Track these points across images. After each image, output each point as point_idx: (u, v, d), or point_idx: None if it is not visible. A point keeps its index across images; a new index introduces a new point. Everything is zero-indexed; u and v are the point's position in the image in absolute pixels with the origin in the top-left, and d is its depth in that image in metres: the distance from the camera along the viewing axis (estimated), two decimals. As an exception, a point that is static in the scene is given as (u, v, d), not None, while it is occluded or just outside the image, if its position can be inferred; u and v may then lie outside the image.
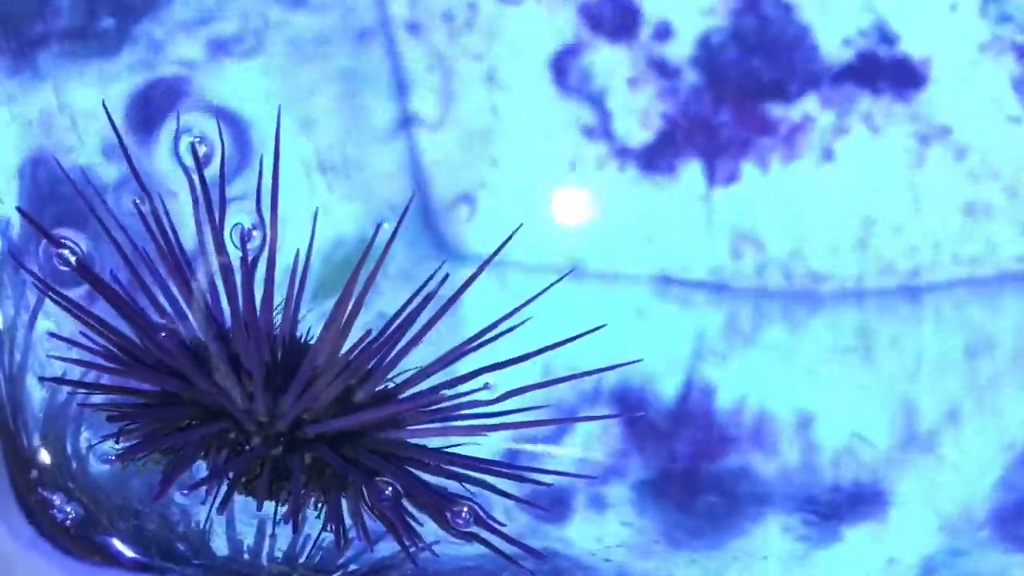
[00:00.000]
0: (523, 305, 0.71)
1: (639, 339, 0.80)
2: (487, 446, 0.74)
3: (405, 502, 0.73)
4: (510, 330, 0.72)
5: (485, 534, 0.73)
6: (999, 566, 0.77)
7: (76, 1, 0.77)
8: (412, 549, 0.72)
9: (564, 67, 0.79)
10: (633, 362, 0.75)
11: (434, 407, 0.71)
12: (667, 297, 0.80)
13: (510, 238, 0.71)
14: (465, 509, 0.72)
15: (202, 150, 0.74)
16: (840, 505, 0.78)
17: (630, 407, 0.80)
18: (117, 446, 0.71)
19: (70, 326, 0.74)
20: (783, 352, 0.80)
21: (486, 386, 0.71)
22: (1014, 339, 0.79)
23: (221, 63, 0.77)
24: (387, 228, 0.71)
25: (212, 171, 0.74)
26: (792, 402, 0.79)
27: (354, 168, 0.79)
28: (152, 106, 0.77)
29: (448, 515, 0.72)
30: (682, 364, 0.80)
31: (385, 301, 0.72)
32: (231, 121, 0.78)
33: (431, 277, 0.71)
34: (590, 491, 0.79)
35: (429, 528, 0.73)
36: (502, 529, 0.72)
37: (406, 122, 0.79)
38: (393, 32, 0.78)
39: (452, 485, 0.74)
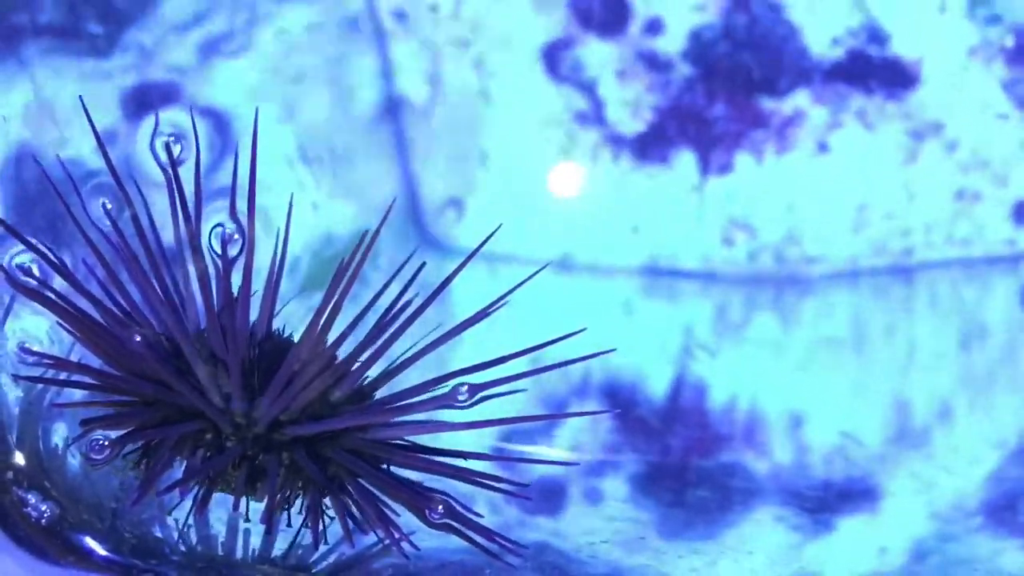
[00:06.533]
0: (499, 299, 0.71)
1: (629, 331, 0.80)
2: (472, 436, 0.73)
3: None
4: (484, 317, 0.71)
5: (463, 527, 0.73)
6: (990, 551, 0.77)
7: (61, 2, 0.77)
8: (388, 542, 0.72)
9: (555, 60, 0.78)
10: (608, 352, 0.74)
11: (412, 411, 0.71)
12: (657, 288, 0.80)
13: (486, 241, 0.71)
14: (441, 507, 0.72)
15: (177, 150, 0.74)
16: (830, 502, 0.78)
17: (620, 401, 0.80)
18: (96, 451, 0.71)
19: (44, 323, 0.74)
20: (774, 345, 0.80)
21: (458, 392, 0.71)
22: (1006, 326, 0.79)
23: (211, 61, 0.77)
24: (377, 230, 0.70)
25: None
26: (783, 397, 0.79)
27: (342, 161, 0.79)
28: (145, 100, 0.77)
29: (426, 511, 0.72)
30: (672, 356, 0.80)
31: (373, 294, 0.71)
32: (216, 116, 0.77)
33: (412, 279, 0.71)
34: (582, 484, 0.79)
35: (406, 518, 0.73)
36: (480, 522, 0.72)
37: (394, 114, 0.79)
38: (381, 21, 0.78)
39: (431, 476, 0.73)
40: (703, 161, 0.78)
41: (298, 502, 0.72)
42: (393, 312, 0.71)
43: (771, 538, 0.78)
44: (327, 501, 0.72)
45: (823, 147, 0.78)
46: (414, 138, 0.79)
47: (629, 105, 0.78)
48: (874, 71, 0.78)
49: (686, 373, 0.79)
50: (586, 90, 0.78)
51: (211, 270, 0.72)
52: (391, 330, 0.71)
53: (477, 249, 0.71)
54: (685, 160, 0.78)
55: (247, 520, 0.72)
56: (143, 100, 0.77)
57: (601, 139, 0.79)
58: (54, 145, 0.76)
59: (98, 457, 0.72)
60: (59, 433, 0.74)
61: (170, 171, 0.72)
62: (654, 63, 0.77)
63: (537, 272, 0.72)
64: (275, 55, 0.78)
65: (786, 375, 0.80)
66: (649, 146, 0.78)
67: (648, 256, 0.80)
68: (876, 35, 0.78)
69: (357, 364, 0.71)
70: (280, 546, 0.74)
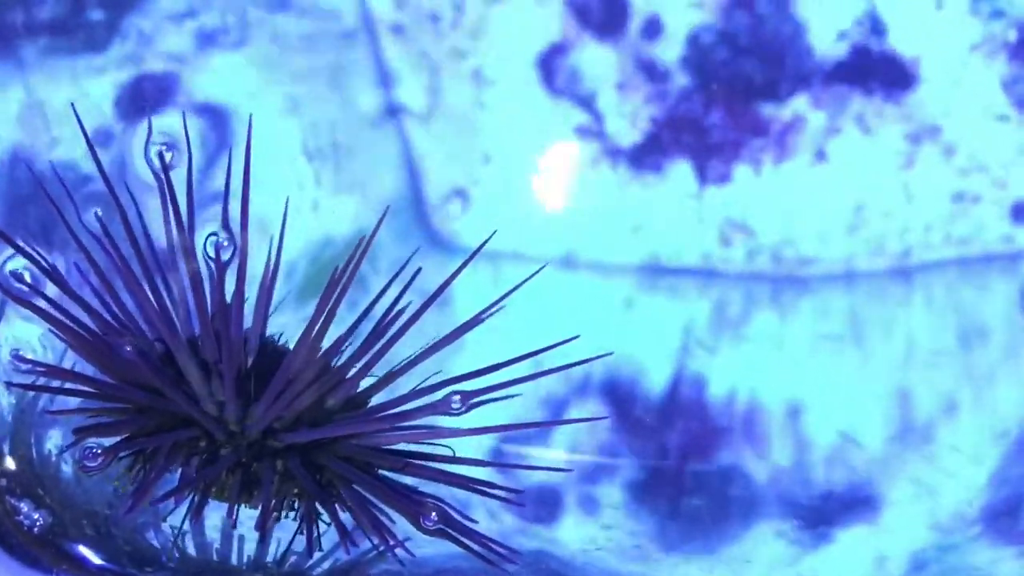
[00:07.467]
0: (495, 303, 0.71)
1: (629, 330, 0.80)
2: (468, 441, 0.73)
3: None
4: (479, 322, 0.71)
5: (457, 533, 0.73)
6: (988, 560, 0.77)
7: None
8: (383, 548, 0.71)
9: (552, 66, 0.78)
10: (605, 355, 0.74)
11: (407, 418, 0.71)
12: (656, 287, 0.79)
13: (481, 247, 0.71)
14: (434, 513, 0.71)
15: (169, 157, 0.74)
16: (829, 514, 0.78)
17: (620, 399, 0.79)
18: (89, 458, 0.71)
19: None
20: (773, 341, 0.79)
21: (452, 400, 0.71)
22: (1004, 322, 0.79)
23: (208, 52, 0.77)
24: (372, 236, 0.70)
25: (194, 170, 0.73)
26: (782, 395, 0.79)
27: (344, 155, 0.78)
28: (141, 98, 0.77)
29: (420, 518, 0.72)
30: (672, 355, 0.79)
31: (372, 297, 0.71)
32: (214, 112, 0.77)
33: (409, 284, 0.71)
34: (580, 491, 0.79)
35: (401, 525, 0.73)
36: (473, 527, 0.72)
37: (395, 118, 0.78)
38: (377, 31, 0.78)
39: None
40: (700, 171, 0.78)
41: (294, 509, 0.72)
42: (389, 318, 0.71)
43: (769, 548, 0.78)
44: (322, 508, 0.71)
45: (821, 155, 0.78)
46: (416, 146, 0.79)
47: (626, 115, 0.78)
48: (874, 70, 0.77)
49: (685, 367, 0.79)
50: (585, 99, 0.78)
51: (205, 277, 0.72)
52: (387, 336, 0.71)
53: (472, 256, 0.71)
54: (682, 170, 0.78)
55: (234, 526, 0.71)
56: (139, 98, 0.76)
57: (602, 145, 0.78)
58: (47, 149, 0.75)
59: (91, 465, 0.72)
60: (52, 440, 0.73)
61: (163, 181, 0.71)
62: (652, 70, 0.77)
63: (532, 276, 0.72)
64: (272, 55, 0.77)
65: (785, 369, 0.79)
66: (647, 156, 0.78)
67: (649, 258, 0.80)
68: (878, 29, 0.77)
69: (352, 371, 0.71)
70: (275, 552, 0.74)
